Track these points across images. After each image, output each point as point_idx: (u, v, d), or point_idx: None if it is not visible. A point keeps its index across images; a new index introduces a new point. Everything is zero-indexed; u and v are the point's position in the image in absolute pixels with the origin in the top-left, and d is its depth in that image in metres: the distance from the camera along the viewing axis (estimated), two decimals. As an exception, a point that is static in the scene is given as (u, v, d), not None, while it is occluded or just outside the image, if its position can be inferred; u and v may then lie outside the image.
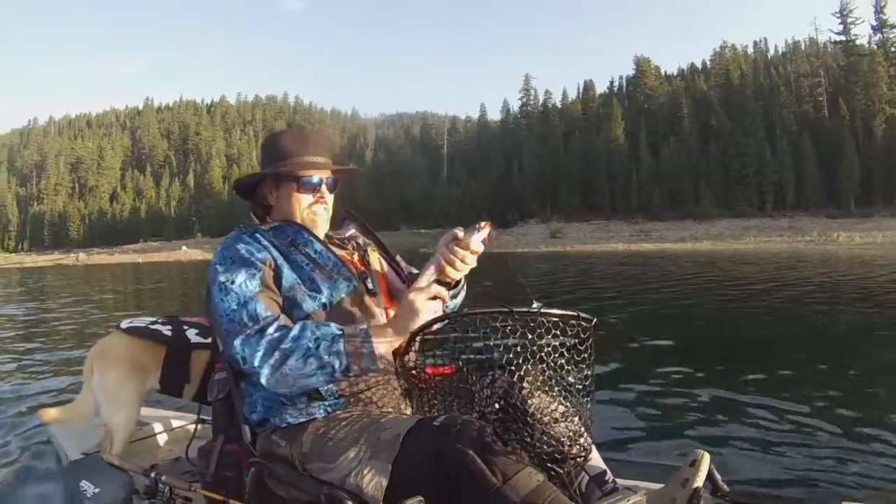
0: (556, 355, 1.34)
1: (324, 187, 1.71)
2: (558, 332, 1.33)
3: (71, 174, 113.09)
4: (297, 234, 1.66)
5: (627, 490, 1.44)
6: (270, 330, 1.45)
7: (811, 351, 5.54)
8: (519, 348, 1.34)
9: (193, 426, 2.35)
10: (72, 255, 76.95)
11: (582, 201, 61.46)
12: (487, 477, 1.22)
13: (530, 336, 1.31)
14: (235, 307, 1.49)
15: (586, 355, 1.38)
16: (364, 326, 1.45)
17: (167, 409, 2.88)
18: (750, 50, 73.78)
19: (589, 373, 1.40)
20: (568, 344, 1.36)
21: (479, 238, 1.48)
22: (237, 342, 1.45)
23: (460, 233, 1.49)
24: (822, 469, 2.81)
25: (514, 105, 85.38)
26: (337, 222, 1.82)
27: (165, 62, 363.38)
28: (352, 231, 1.88)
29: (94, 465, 2.05)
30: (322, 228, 1.73)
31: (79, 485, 1.95)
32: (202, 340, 2.28)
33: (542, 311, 1.31)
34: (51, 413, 2.59)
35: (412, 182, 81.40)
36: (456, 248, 1.48)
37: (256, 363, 1.42)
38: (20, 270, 53.66)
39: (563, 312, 1.34)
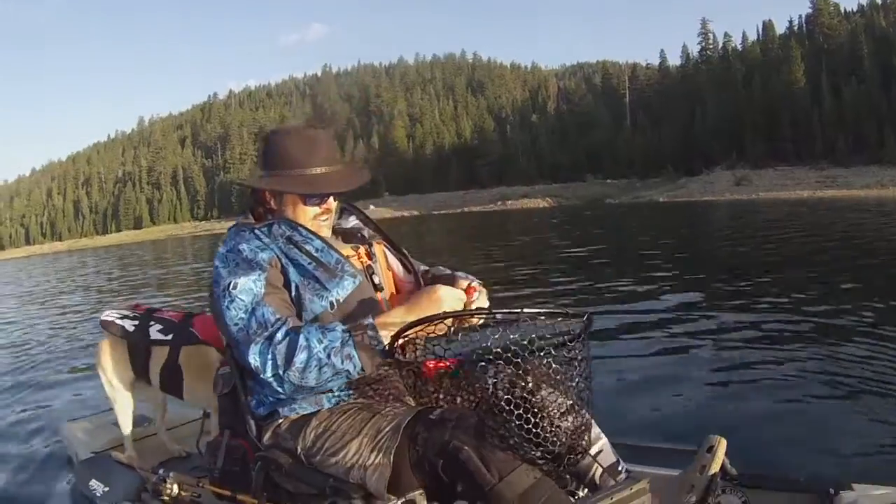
0: (552, 350, 1.33)
1: (330, 199, 1.62)
2: (550, 333, 1.33)
3: (254, 143, 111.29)
4: (294, 230, 1.58)
5: (631, 478, 1.47)
6: (278, 337, 1.39)
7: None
8: (516, 346, 1.32)
9: (201, 421, 2.32)
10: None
11: (766, 146, 57.78)
12: (483, 473, 1.24)
13: (524, 332, 1.32)
14: (243, 315, 1.44)
15: (580, 351, 1.36)
16: (370, 321, 1.40)
17: (173, 405, 2.69)
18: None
19: (585, 367, 1.38)
20: (561, 340, 1.35)
21: (483, 299, 1.56)
22: (250, 353, 1.40)
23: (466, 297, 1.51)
24: (835, 452, 2.70)
25: (694, 50, 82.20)
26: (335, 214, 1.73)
27: (342, 29, 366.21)
28: (354, 222, 1.79)
29: (103, 464, 2.04)
30: (326, 234, 1.65)
31: (89, 484, 1.96)
32: (162, 337, 2.30)
33: (525, 311, 1.31)
34: None
35: (596, 131, 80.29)
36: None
37: (270, 374, 1.39)
38: (211, 236, 53.87)
39: (549, 311, 1.33)
